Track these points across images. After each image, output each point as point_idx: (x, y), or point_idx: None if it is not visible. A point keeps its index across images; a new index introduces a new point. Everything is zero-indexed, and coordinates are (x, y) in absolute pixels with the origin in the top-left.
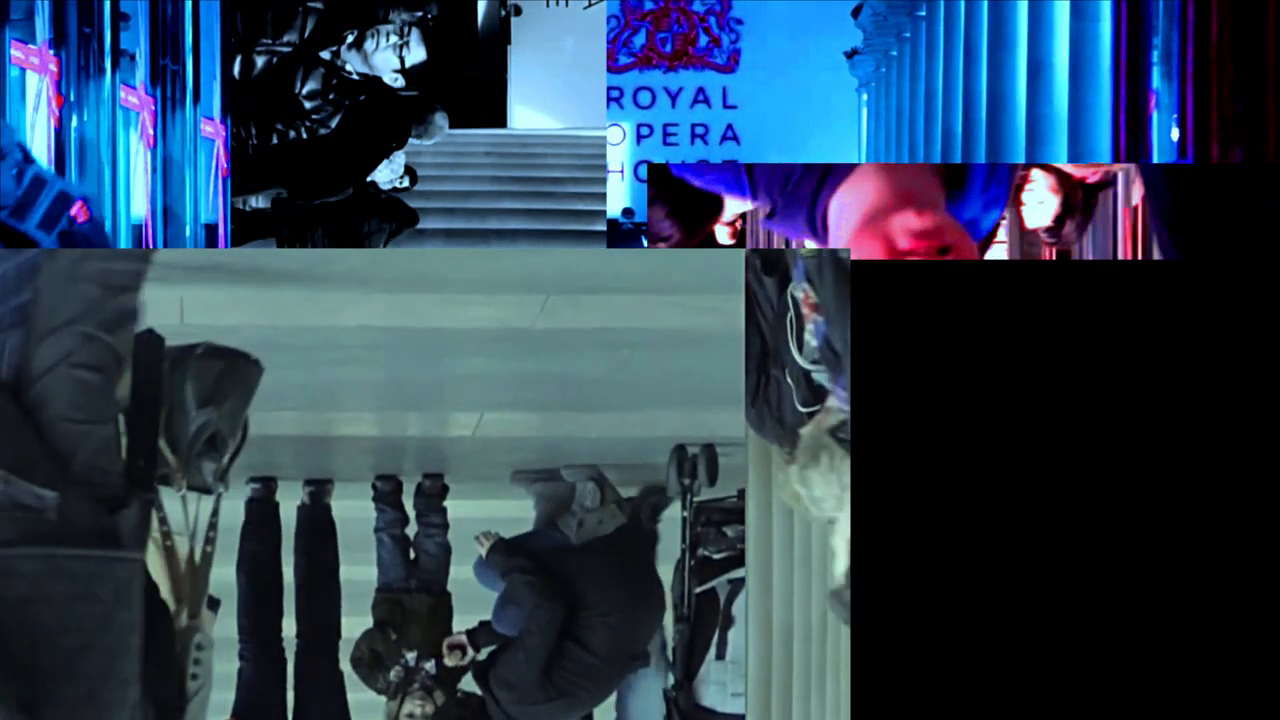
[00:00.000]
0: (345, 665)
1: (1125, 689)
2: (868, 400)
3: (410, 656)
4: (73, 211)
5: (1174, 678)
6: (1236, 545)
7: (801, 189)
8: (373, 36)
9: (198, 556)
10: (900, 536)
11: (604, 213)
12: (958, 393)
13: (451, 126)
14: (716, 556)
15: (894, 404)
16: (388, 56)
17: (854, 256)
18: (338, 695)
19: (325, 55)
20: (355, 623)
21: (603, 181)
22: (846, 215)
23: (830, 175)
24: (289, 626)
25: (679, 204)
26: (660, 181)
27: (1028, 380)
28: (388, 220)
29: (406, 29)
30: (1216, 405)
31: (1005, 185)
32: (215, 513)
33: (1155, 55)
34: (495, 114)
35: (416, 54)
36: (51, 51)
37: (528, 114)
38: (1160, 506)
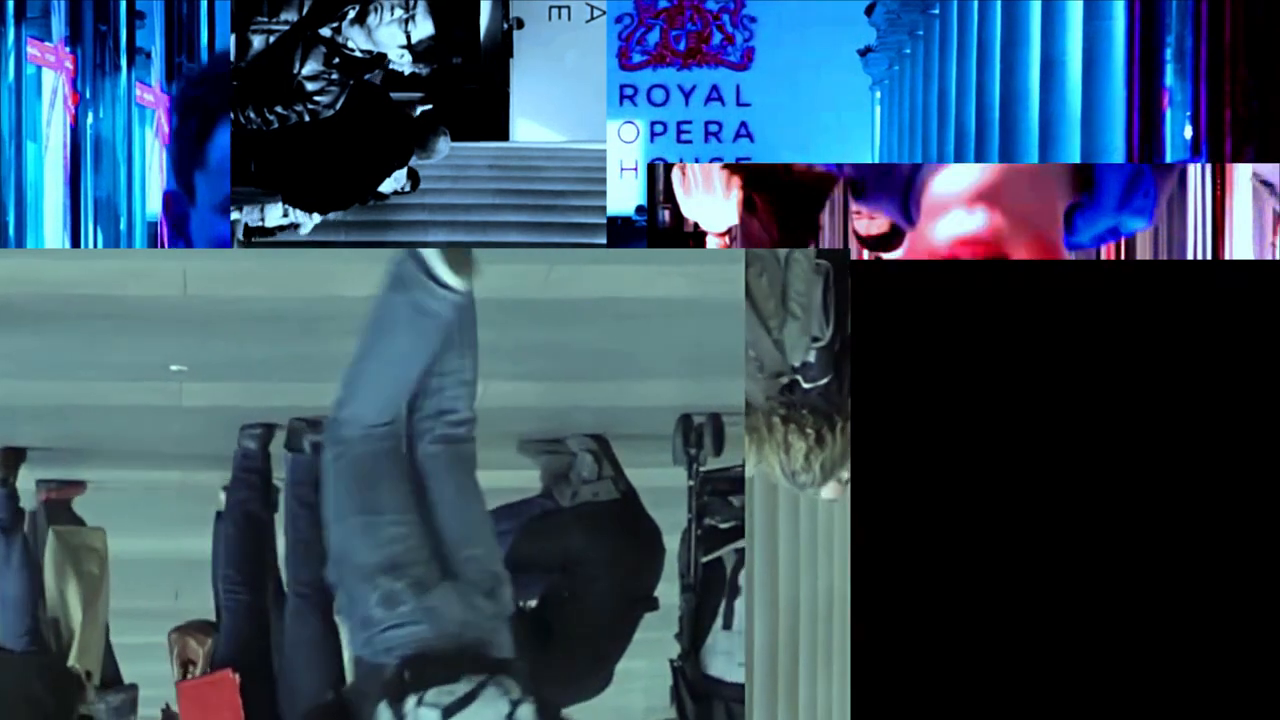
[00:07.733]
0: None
1: (1125, 686)
2: (868, 400)
3: None
4: None
5: (1174, 679)
6: (1233, 543)
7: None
8: (375, 10)
9: None
10: (900, 536)
11: (604, 225)
12: (958, 393)
13: (453, 140)
14: (723, 526)
15: (894, 404)
16: (393, 31)
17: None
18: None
19: (326, 33)
20: None
21: (602, 194)
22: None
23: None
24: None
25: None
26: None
27: (1029, 380)
28: None
29: (412, 1)
30: (1216, 405)
31: (1154, 196)
32: None
33: (1169, 53)
34: (497, 127)
35: (423, 28)
36: (67, 48)
37: (530, 127)
38: (1162, 508)
